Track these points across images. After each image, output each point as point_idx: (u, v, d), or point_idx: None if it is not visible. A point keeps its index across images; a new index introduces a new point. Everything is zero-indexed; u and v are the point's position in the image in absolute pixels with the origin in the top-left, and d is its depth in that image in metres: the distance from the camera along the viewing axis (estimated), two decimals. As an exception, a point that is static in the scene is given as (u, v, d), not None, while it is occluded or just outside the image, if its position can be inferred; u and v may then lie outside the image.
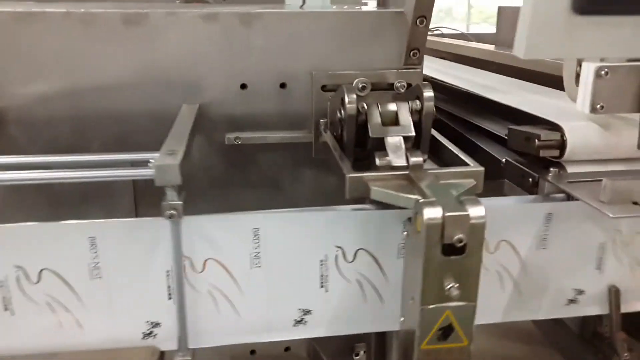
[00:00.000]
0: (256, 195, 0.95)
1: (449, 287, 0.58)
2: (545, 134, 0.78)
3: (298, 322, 0.74)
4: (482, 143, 0.95)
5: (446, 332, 0.61)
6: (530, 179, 0.80)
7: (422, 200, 0.59)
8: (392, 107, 0.79)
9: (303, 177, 0.96)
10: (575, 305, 0.79)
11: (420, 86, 0.79)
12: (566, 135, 0.77)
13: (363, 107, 0.77)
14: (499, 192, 0.87)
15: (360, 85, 0.86)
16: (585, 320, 0.89)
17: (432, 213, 0.57)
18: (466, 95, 1.16)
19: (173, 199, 0.65)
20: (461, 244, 0.57)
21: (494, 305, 0.77)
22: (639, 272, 0.79)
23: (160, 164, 0.63)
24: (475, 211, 0.57)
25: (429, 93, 0.77)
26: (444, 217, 0.57)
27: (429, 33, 1.22)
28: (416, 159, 0.71)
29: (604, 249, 0.77)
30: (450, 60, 1.73)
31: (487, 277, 0.74)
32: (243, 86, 0.89)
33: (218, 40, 0.86)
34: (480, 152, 0.93)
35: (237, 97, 0.89)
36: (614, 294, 0.79)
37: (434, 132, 0.84)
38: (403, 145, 0.75)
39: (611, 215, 0.65)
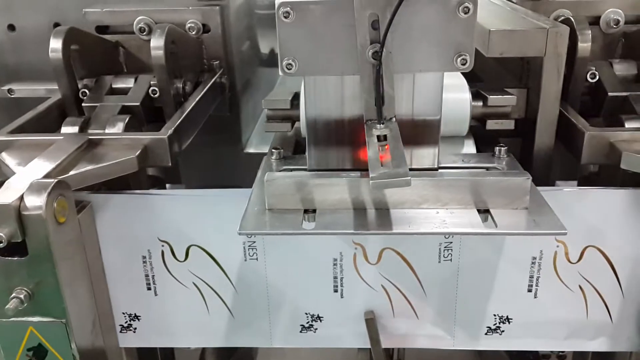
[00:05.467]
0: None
1: (12, 297, 0.43)
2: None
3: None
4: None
5: (38, 353, 0.46)
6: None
7: None
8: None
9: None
10: None
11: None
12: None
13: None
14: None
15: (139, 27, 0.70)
16: None
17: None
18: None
19: None
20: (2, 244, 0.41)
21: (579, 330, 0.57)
22: None
23: None
24: (32, 200, 0.41)
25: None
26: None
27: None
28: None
29: None
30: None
31: (568, 295, 0.55)
32: (11, 27, 0.75)
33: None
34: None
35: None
36: None
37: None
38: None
39: None
